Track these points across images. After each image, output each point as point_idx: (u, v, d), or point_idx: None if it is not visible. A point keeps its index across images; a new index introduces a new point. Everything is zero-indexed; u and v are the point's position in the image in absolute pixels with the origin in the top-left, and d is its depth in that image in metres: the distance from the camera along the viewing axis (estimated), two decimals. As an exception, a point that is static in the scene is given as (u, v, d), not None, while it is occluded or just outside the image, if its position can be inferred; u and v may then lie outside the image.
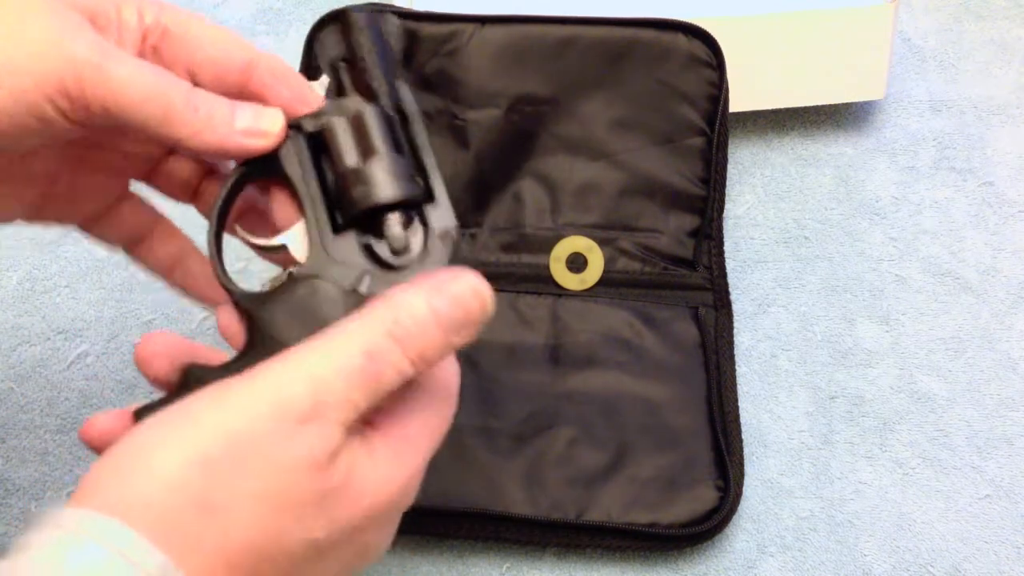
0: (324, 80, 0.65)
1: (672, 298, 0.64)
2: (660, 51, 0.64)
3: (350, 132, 0.40)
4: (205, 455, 0.32)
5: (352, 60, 0.41)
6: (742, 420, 0.62)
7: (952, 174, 0.71)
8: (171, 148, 0.43)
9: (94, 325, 0.65)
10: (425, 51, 0.64)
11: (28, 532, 0.31)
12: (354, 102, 0.40)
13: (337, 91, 0.41)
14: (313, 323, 0.37)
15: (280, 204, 0.41)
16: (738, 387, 0.63)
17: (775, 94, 0.70)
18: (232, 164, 0.41)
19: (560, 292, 0.64)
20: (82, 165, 0.42)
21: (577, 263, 0.65)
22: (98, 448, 0.37)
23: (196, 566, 0.31)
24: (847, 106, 0.73)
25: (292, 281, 0.39)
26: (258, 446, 0.33)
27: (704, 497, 0.58)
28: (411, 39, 0.64)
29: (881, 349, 0.65)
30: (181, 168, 0.43)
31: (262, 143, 0.39)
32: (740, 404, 0.62)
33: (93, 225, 0.44)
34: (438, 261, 0.40)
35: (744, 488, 0.59)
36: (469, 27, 0.64)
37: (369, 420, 0.36)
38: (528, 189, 0.65)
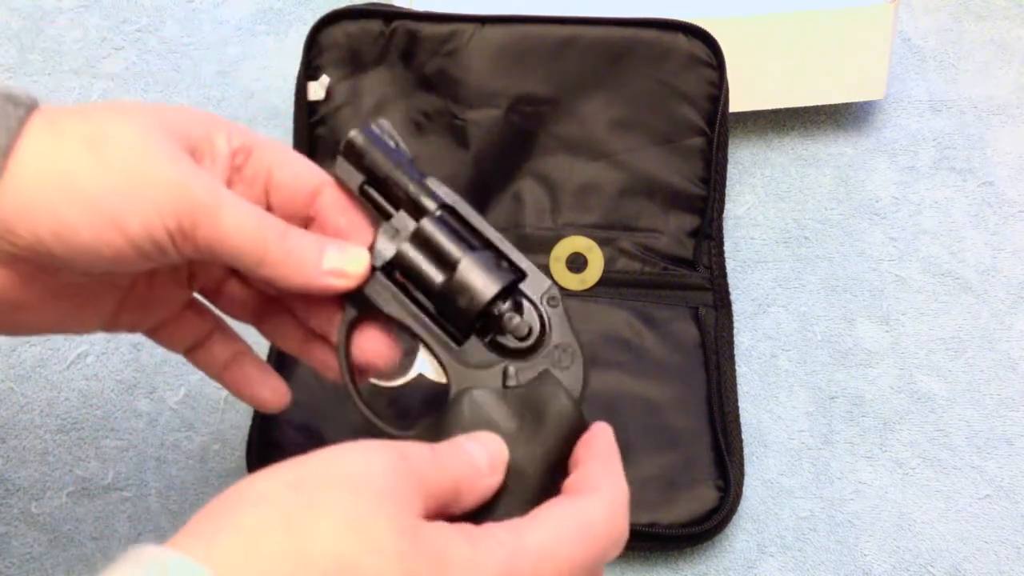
0: (324, 80, 0.66)
1: (672, 298, 0.64)
2: (660, 51, 0.64)
3: (421, 252, 0.42)
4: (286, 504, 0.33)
5: (377, 181, 0.42)
6: (742, 420, 0.62)
7: (952, 174, 0.71)
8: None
9: (94, 325, 0.65)
10: (425, 51, 0.64)
11: (110, 565, 0.32)
12: (403, 221, 0.42)
13: (381, 214, 0.42)
14: (487, 428, 0.39)
15: (375, 345, 0.43)
16: (738, 387, 0.63)
17: (775, 94, 0.70)
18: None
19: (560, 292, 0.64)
20: (155, 274, 0.44)
21: (577, 263, 0.65)
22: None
23: None
24: (847, 106, 0.73)
25: (452, 402, 0.41)
26: (342, 479, 0.34)
27: (704, 497, 0.58)
28: (411, 39, 0.64)
29: (881, 349, 0.65)
30: (239, 291, 0.46)
31: (345, 283, 0.41)
32: (740, 404, 0.62)
33: (159, 331, 0.46)
34: (559, 325, 0.42)
35: (744, 488, 0.59)
36: (469, 27, 0.64)
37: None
38: (528, 189, 0.65)
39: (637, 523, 0.57)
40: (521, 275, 0.43)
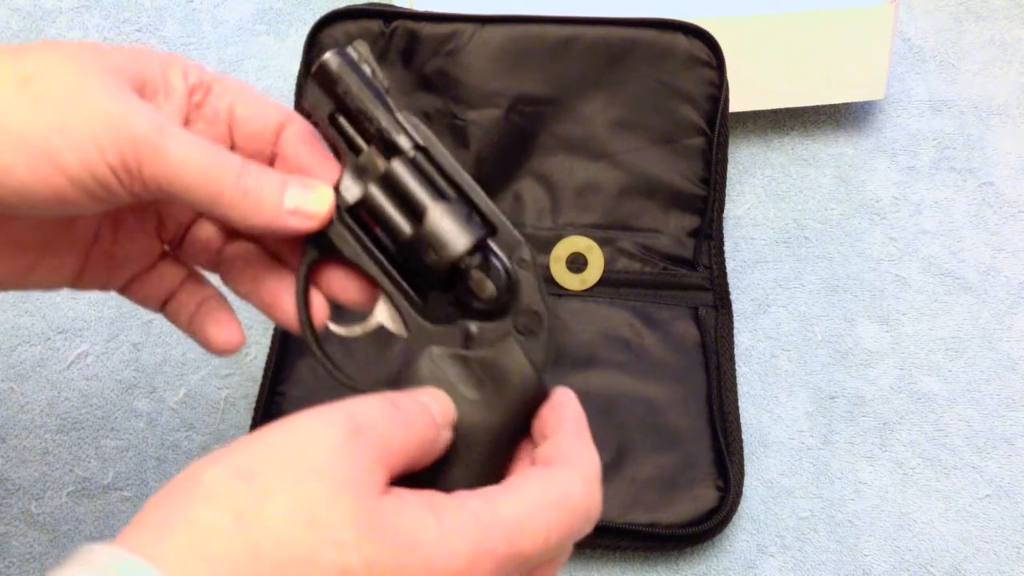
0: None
1: (672, 298, 0.64)
2: (660, 51, 0.64)
3: (389, 197, 0.39)
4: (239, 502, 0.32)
5: (349, 111, 0.40)
6: (742, 420, 0.62)
7: (952, 174, 0.71)
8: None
9: (94, 325, 0.65)
10: (425, 51, 0.64)
11: (59, 566, 0.30)
12: (372, 160, 0.40)
13: (349, 147, 0.40)
14: (445, 390, 0.38)
15: (340, 281, 0.42)
16: (738, 387, 0.63)
17: (775, 94, 0.70)
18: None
19: (560, 292, 0.64)
20: (121, 226, 0.43)
21: (577, 263, 0.65)
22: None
23: None
24: (847, 106, 0.73)
25: (410, 359, 0.39)
26: (295, 467, 0.32)
27: (704, 497, 0.58)
28: (411, 39, 0.64)
29: (881, 349, 0.65)
30: (205, 231, 0.44)
31: (308, 224, 0.39)
32: (740, 404, 0.62)
33: (132, 288, 0.44)
34: (529, 288, 0.40)
35: (744, 488, 0.59)
36: (469, 27, 0.64)
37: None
38: (528, 189, 0.65)
39: (637, 523, 0.57)
40: (492, 230, 0.40)
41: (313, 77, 0.40)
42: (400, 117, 0.40)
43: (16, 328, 0.65)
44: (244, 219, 0.38)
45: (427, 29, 0.64)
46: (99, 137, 0.35)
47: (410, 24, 0.64)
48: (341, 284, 0.42)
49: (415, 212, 0.39)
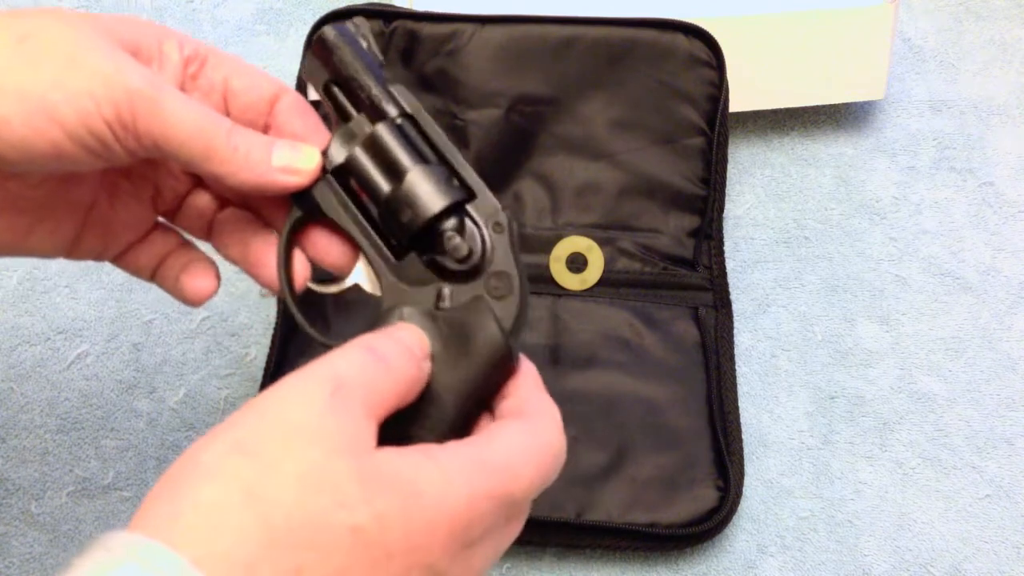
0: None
1: (672, 298, 0.64)
2: (660, 51, 0.64)
3: (372, 159, 0.41)
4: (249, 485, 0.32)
5: (342, 80, 0.41)
6: (742, 420, 0.62)
7: (952, 174, 0.71)
8: (200, 181, 0.45)
9: (94, 325, 0.65)
10: (425, 51, 0.64)
11: (78, 554, 0.31)
12: (360, 125, 0.41)
13: (341, 115, 0.42)
14: None
15: (323, 242, 0.43)
16: (738, 387, 0.63)
17: (775, 94, 0.70)
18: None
19: (560, 292, 0.64)
20: (117, 193, 0.44)
21: (577, 263, 0.65)
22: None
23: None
24: (847, 106, 0.73)
25: (381, 317, 0.40)
26: (290, 434, 0.33)
27: (704, 497, 0.58)
28: (411, 39, 0.64)
29: (881, 349, 0.65)
30: (200, 200, 0.45)
31: (296, 180, 0.40)
32: (740, 404, 0.62)
33: (126, 258, 0.45)
34: (503, 252, 0.40)
35: (744, 488, 0.59)
36: (469, 27, 0.64)
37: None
38: (528, 189, 0.65)
39: (637, 523, 0.57)
40: (471, 195, 0.41)
41: (311, 49, 0.41)
42: (391, 88, 0.41)
43: (16, 328, 0.65)
44: (235, 175, 0.39)
45: (427, 29, 0.64)
46: (95, 92, 0.36)
47: (410, 24, 0.64)
48: (324, 247, 0.43)
49: (396, 173, 0.40)
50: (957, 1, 0.78)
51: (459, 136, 0.65)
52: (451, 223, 0.40)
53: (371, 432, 0.34)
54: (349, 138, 0.41)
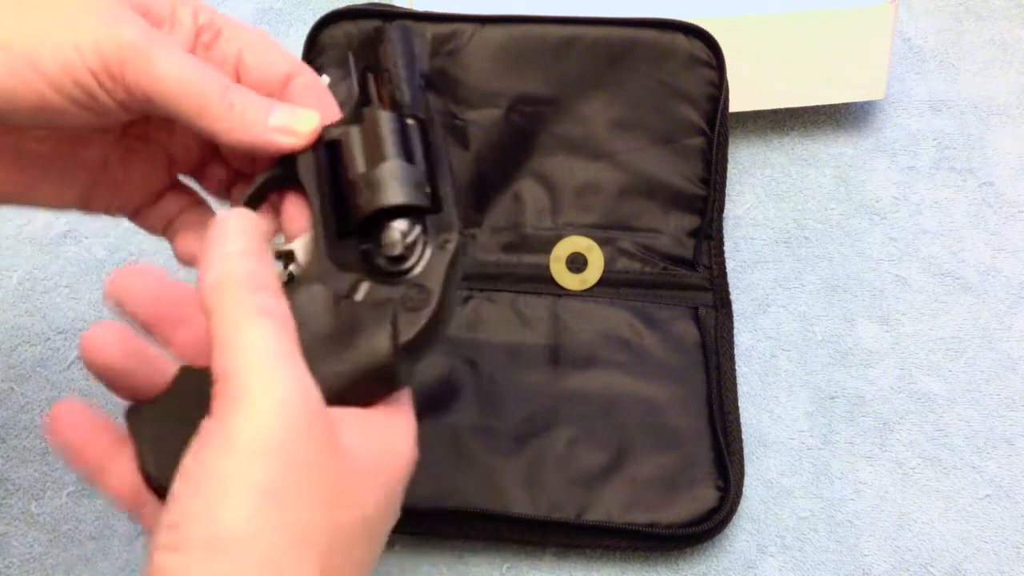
0: (325, 79, 0.66)
1: (672, 298, 0.64)
2: (660, 51, 0.64)
3: (362, 140, 0.40)
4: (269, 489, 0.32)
5: (380, 71, 0.42)
6: (742, 420, 0.62)
7: (952, 174, 0.71)
8: (212, 147, 0.44)
9: (94, 325, 0.65)
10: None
11: None
12: (372, 111, 0.41)
13: (364, 101, 0.42)
14: (302, 329, 0.36)
15: (293, 210, 0.42)
16: (738, 387, 0.63)
17: (775, 94, 0.70)
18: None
19: (560, 292, 0.64)
20: (130, 156, 0.43)
21: (577, 263, 0.65)
22: (59, 438, 0.38)
23: None
24: (847, 106, 0.73)
25: (294, 284, 0.39)
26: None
27: (704, 497, 0.58)
28: (411, 39, 0.65)
29: (881, 349, 0.65)
30: (218, 171, 0.45)
31: (292, 141, 0.40)
32: (740, 404, 0.62)
33: (140, 215, 0.45)
34: (437, 269, 0.39)
35: (744, 488, 0.59)
36: (469, 27, 0.64)
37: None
38: (528, 189, 0.65)
39: (637, 523, 0.57)
40: (435, 208, 0.40)
41: (372, 39, 0.42)
42: (421, 91, 0.42)
43: (16, 328, 0.65)
44: (230, 133, 0.39)
45: (427, 29, 0.64)
46: (80, 43, 0.36)
47: (410, 24, 0.64)
48: (291, 214, 0.42)
49: (375, 159, 0.40)
50: (957, 1, 0.78)
51: (459, 136, 0.65)
52: (401, 223, 0.39)
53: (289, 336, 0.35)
54: (355, 119, 0.41)
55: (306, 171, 0.40)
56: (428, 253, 0.39)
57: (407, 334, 0.37)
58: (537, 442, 0.59)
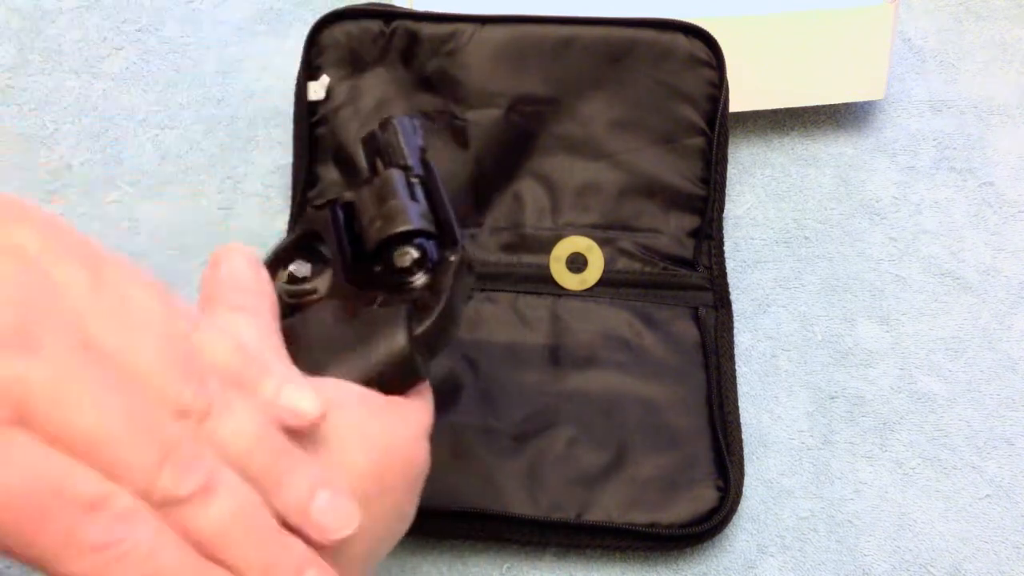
0: (324, 80, 0.66)
1: (672, 298, 0.64)
2: (660, 51, 0.64)
3: (373, 193, 0.45)
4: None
5: (386, 151, 0.47)
6: (742, 420, 0.62)
7: (952, 174, 0.71)
8: None
9: (94, 325, 0.65)
10: (425, 51, 0.64)
11: None
12: (382, 172, 0.45)
13: (372, 176, 0.46)
14: (327, 335, 0.41)
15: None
16: (738, 387, 0.63)
17: (775, 94, 0.70)
18: None
19: (560, 292, 0.64)
20: None
21: (577, 263, 0.65)
22: None
23: None
24: (847, 106, 0.73)
25: (319, 304, 0.43)
26: None
27: (704, 497, 0.58)
28: (411, 39, 0.64)
29: (881, 349, 0.65)
30: None
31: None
32: (740, 404, 0.62)
33: None
34: (443, 278, 0.43)
35: (744, 488, 0.59)
36: (469, 27, 0.64)
37: None
38: (528, 189, 0.65)
39: (637, 523, 0.57)
40: (440, 234, 0.44)
41: (379, 127, 0.47)
42: (423, 161, 0.47)
43: (16, 328, 0.64)
44: None
45: (427, 29, 0.64)
46: None
47: (410, 24, 0.64)
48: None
49: (383, 200, 0.44)
50: (957, 1, 0.78)
51: (459, 136, 0.65)
52: (411, 248, 0.43)
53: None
54: (366, 184, 0.45)
55: (322, 223, 0.45)
56: (435, 267, 0.43)
57: (420, 326, 0.41)
58: (537, 442, 0.59)
